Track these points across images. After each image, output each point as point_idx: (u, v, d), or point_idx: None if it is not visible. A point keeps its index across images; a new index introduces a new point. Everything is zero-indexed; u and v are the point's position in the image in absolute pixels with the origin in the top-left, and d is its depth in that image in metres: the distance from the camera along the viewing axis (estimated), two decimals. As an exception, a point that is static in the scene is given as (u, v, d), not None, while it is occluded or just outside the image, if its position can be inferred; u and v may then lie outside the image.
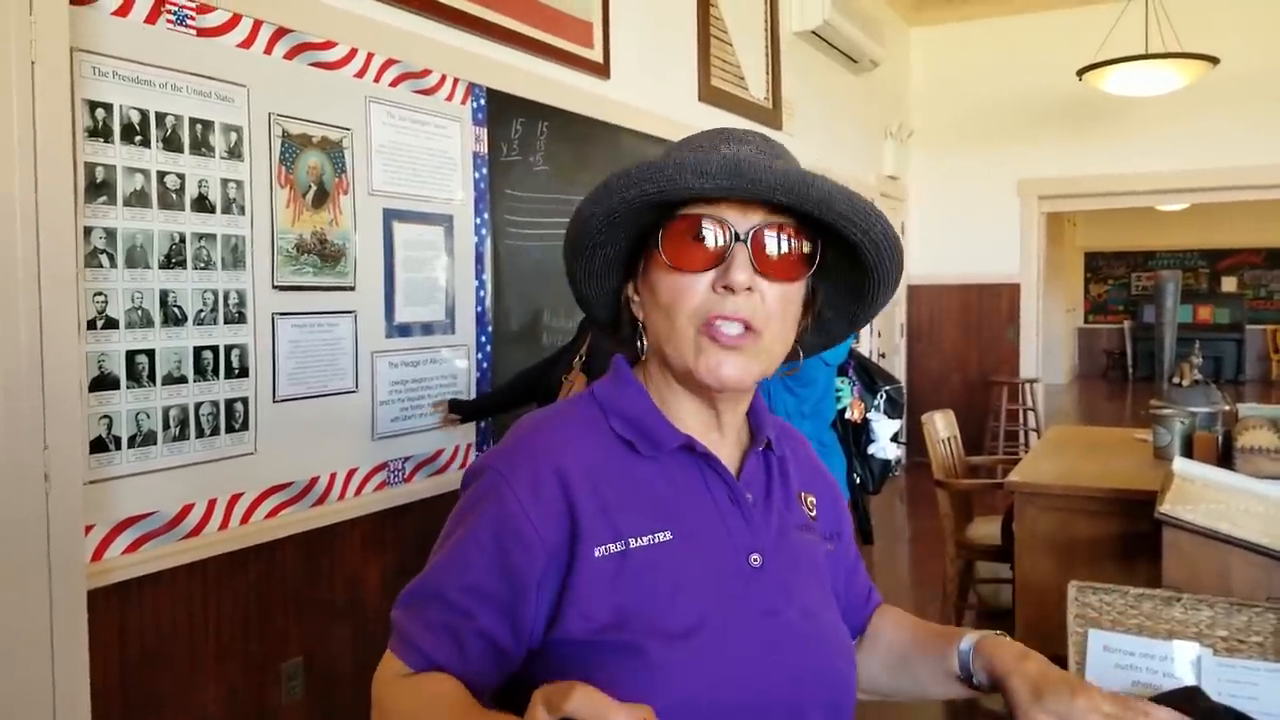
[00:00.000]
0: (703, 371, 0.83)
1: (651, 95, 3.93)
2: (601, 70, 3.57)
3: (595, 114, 3.51)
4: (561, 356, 2.68)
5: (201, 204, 2.16)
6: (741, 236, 0.82)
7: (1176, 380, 3.40)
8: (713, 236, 0.82)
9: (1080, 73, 5.40)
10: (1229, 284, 14.71)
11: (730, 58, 4.57)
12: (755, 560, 0.87)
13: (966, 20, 7.19)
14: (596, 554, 0.81)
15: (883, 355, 6.80)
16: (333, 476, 2.51)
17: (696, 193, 0.81)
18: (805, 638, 0.86)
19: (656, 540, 0.83)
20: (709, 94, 4.33)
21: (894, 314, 7.22)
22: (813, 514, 0.98)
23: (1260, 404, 3.24)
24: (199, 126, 2.15)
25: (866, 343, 6.48)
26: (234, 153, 2.23)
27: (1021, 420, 7.19)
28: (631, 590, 0.80)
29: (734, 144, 0.86)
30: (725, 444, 0.92)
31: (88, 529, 1.95)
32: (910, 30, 7.37)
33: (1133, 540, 2.84)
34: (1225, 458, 3.09)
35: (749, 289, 0.82)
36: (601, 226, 0.85)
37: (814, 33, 5.32)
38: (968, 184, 7.28)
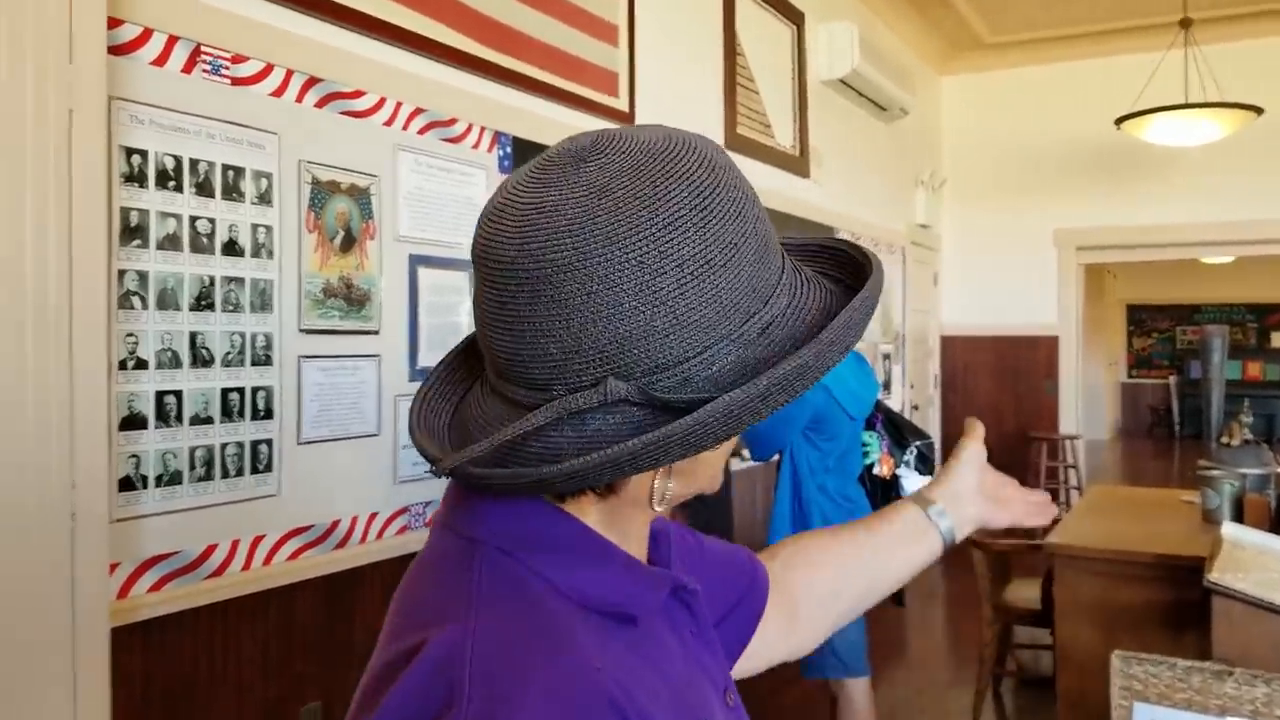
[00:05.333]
0: (719, 481, 0.73)
1: (679, 144, 3.96)
2: (627, 118, 3.61)
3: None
4: None
5: (231, 248, 2.21)
6: None
7: (1225, 440, 3.31)
8: None
9: (1119, 121, 5.37)
10: (1279, 339, 14.41)
11: (756, 106, 4.62)
12: (731, 699, 0.75)
13: (999, 69, 7.20)
14: None
15: (915, 407, 6.72)
16: (354, 519, 2.52)
17: None
18: None
19: None
20: (735, 141, 4.36)
21: (927, 365, 7.15)
22: None
23: (1315, 467, 3.15)
24: (231, 173, 2.21)
25: (898, 394, 6.42)
26: (264, 198, 2.28)
27: (1062, 478, 7.03)
28: None
29: None
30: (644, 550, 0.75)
31: (114, 567, 1.97)
32: (941, 79, 7.40)
33: (1180, 609, 2.73)
34: (1278, 523, 2.99)
35: None
36: None
37: (842, 81, 5.35)
38: (1002, 233, 7.22)
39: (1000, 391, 7.31)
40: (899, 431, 3.26)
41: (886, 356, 6.19)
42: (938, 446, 7.09)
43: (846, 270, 0.72)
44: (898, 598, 3.37)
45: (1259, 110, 5.11)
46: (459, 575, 0.63)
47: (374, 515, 2.57)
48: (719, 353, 0.60)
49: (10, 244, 1.65)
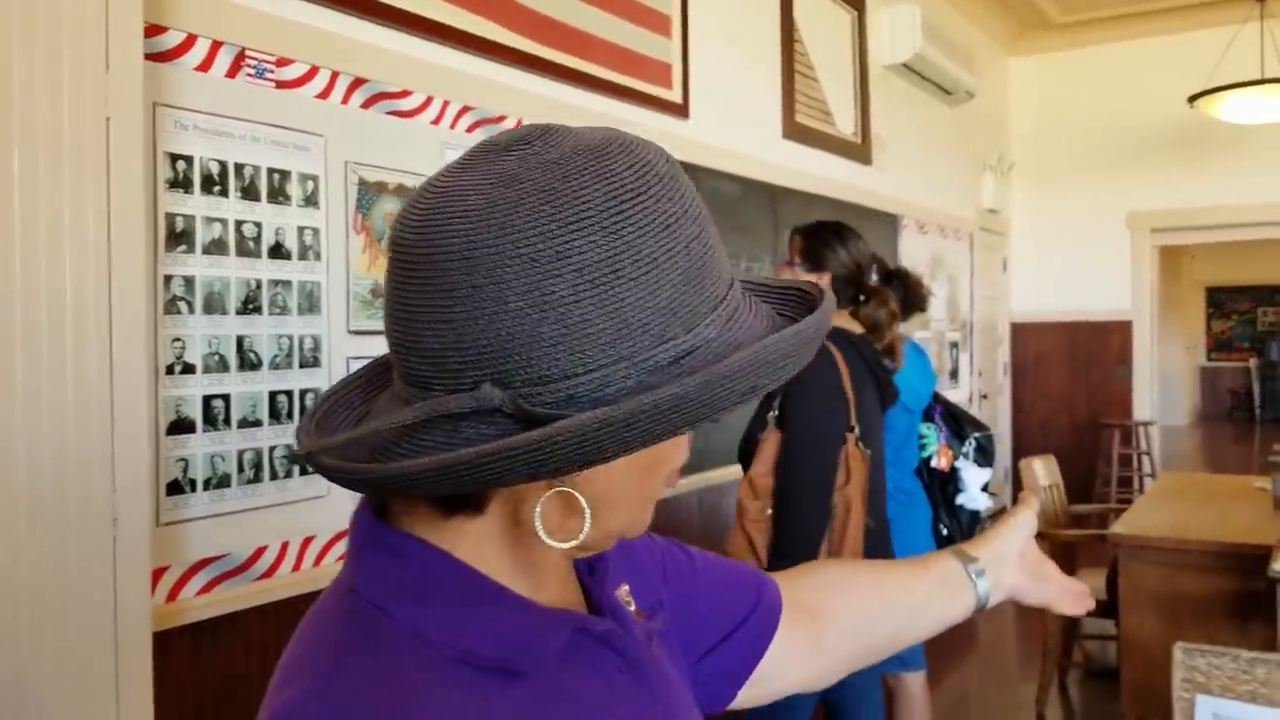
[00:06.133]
0: (644, 526, 0.66)
1: (733, 134, 3.89)
2: (680, 111, 3.55)
3: (674, 155, 3.48)
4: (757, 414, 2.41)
5: (278, 251, 2.21)
6: None
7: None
8: None
9: (1192, 99, 5.17)
10: (1366, 319, 13.84)
11: (816, 93, 4.51)
12: None
13: (1068, 49, 6.99)
14: None
15: (984, 396, 6.56)
16: (403, 520, 2.51)
17: None
18: None
19: None
20: (793, 130, 4.27)
21: (997, 353, 6.97)
22: (634, 606, 0.74)
23: (1397, 453, 3.00)
24: (276, 176, 2.20)
25: (965, 383, 6.27)
26: (310, 200, 2.28)
27: (1136, 465, 6.83)
28: None
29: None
30: (573, 578, 0.70)
31: (163, 570, 1.98)
32: (1009, 60, 7.19)
33: (1246, 599, 2.66)
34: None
35: None
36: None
37: (905, 65, 5.21)
38: (1073, 217, 7.02)
39: (1072, 378, 7.11)
40: (958, 423, 3.17)
41: (954, 345, 6.05)
42: (1007, 437, 6.93)
43: (806, 311, 0.64)
44: None
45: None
46: (326, 630, 0.59)
47: (423, 516, 2.57)
48: (615, 374, 0.54)
49: (50, 252, 1.66)
